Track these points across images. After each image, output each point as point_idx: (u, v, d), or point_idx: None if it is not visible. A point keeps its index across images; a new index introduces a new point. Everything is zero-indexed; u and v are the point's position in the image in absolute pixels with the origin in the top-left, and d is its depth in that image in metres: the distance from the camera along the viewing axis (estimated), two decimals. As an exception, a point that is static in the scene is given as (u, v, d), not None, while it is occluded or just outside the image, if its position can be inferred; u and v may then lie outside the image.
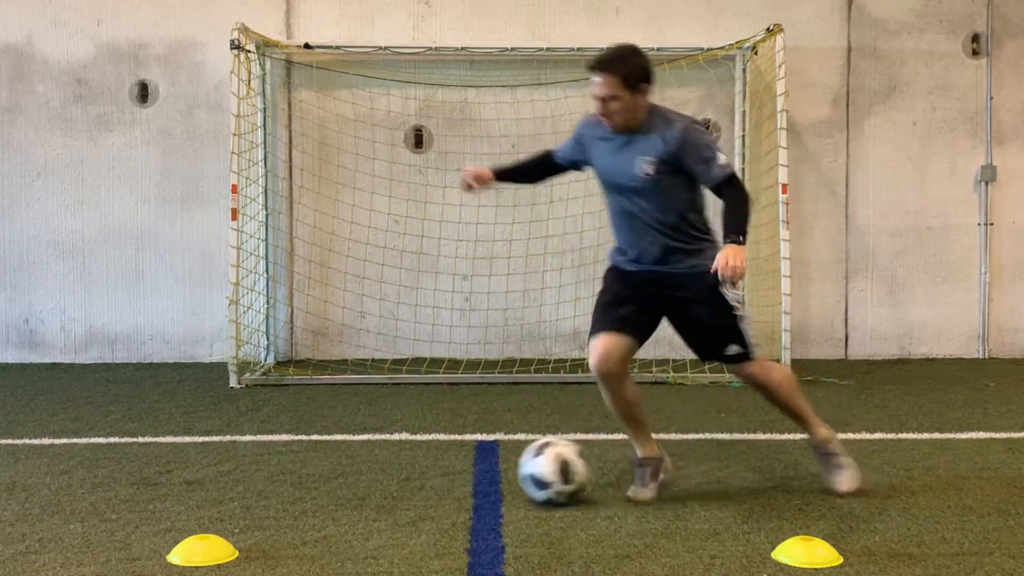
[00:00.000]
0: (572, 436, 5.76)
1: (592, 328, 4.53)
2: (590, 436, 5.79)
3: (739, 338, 4.50)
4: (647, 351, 8.42)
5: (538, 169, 4.98)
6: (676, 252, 4.49)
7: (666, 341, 8.57)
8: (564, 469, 4.38)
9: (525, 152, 8.45)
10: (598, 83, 4.38)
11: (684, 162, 4.42)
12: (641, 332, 4.54)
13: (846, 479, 4.58)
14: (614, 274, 4.65)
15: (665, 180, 4.42)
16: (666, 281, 4.50)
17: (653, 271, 4.51)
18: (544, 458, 4.41)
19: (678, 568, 3.64)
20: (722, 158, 4.46)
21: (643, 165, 4.40)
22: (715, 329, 4.50)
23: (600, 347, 4.43)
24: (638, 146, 4.43)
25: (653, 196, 4.44)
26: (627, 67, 4.39)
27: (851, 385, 7.48)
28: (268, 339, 8.46)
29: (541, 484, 4.38)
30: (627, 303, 4.53)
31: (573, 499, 4.40)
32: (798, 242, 8.43)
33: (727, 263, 4.25)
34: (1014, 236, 8.80)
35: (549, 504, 4.38)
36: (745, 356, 4.52)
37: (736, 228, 4.35)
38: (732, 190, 4.44)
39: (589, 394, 7.16)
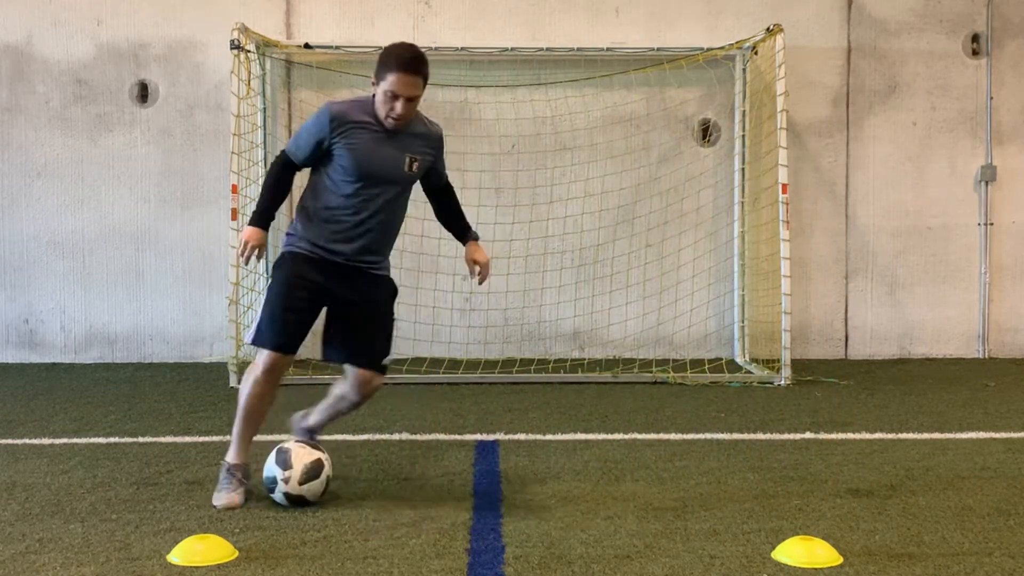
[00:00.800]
0: (572, 436, 5.78)
1: (266, 329, 4.41)
2: (590, 436, 5.79)
3: (389, 350, 4.62)
4: (647, 351, 8.50)
5: (288, 186, 4.61)
6: (381, 254, 4.60)
7: (666, 341, 8.61)
8: (282, 458, 4.35)
9: (526, 153, 8.54)
10: (412, 83, 4.32)
11: (436, 163, 4.65)
12: (305, 330, 4.50)
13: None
14: (295, 272, 4.48)
15: (415, 178, 4.60)
16: (349, 275, 4.49)
17: (347, 266, 4.49)
18: (270, 458, 4.40)
19: (678, 568, 3.64)
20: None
21: (410, 161, 4.49)
22: (387, 338, 4.60)
23: (272, 362, 4.41)
24: (403, 143, 4.47)
25: (397, 196, 4.55)
26: (428, 69, 4.43)
27: (851, 385, 7.48)
28: (268, 339, 8.44)
29: (271, 483, 4.36)
30: (304, 305, 4.46)
31: (304, 487, 4.31)
32: (798, 242, 8.43)
33: (486, 261, 4.70)
34: (1014, 236, 8.80)
35: (290, 501, 4.32)
36: (386, 368, 4.61)
37: (468, 224, 4.82)
38: (452, 190, 4.86)
39: (589, 394, 7.17)
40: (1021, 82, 8.77)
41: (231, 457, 4.53)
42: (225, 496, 4.42)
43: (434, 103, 8.55)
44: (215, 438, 5.76)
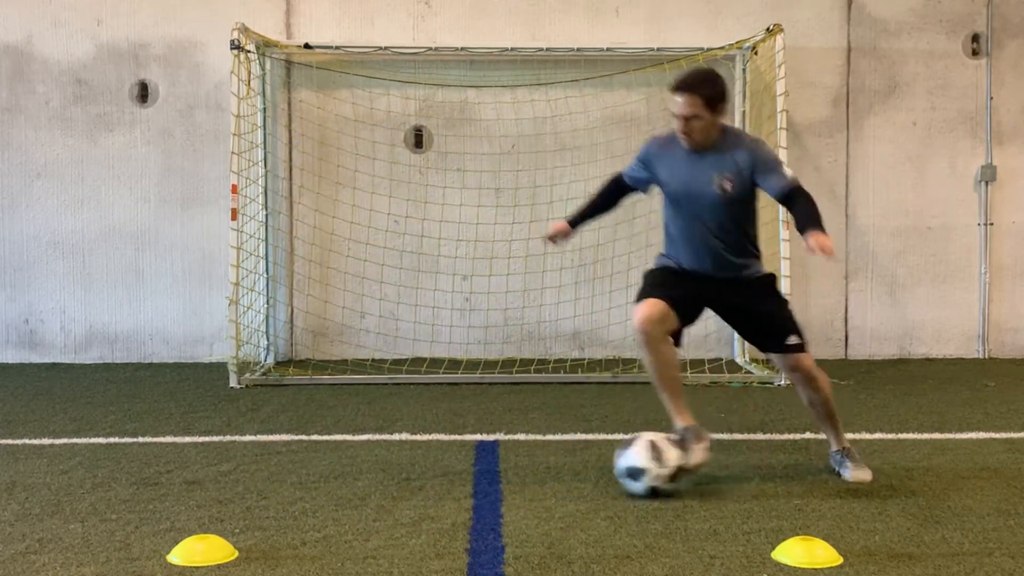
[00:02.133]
0: (572, 436, 5.78)
1: (639, 297, 4.80)
2: (590, 436, 5.80)
3: (797, 329, 4.82)
4: (647, 351, 8.49)
5: (612, 196, 5.27)
6: (731, 265, 4.82)
7: (666, 341, 8.60)
8: (655, 451, 4.50)
9: (526, 153, 8.54)
10: (685, 102, 4.62)
11: (756, 176, 4.74)
12: (684, 314, 4.80)
13: (857, 472, 4.79)
14: (665, 267, 4.94)
15: (736, 195, 4.73)
16: (720, 285, 4.83)
17: (708, 275, 4.83)
18: (634, 447, 4.55)
19: (678, 568, 3.64)
20: (788, 170, 4.79)
21: (721, 181, 4.70)
22: (778, 319, 4.82)
23: (644, 309, 4.71)
24: (713, 163, 4.72)
25: (722, 211, 4.74)
26: (710, 89, 4.66)
27: (851, 385, 7.48)
28: (268, 339, 8.46)
29: (637, 473, 4.49)
30: (675, 286, 4.81)
31: (674, 481, 4.49)
32: (798, 242, 8.37)
33: (820, 243, 4.50)
34: (1014, 236, 8.80)
35: (653, 494, 4.46)
36: (803, 347, 4.80)
37: (816, 221, 4.60)
38: (801, 196, 4.73)
39: (589, 394, 7.17)
40: (1021, 82, 8.77)
41: (678, 423, 4.77)
42: (696, 454, 4.62)
43: (434, 103, 8.57)
44: (215, 438, 5.77)
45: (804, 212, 4.66)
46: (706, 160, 4.72)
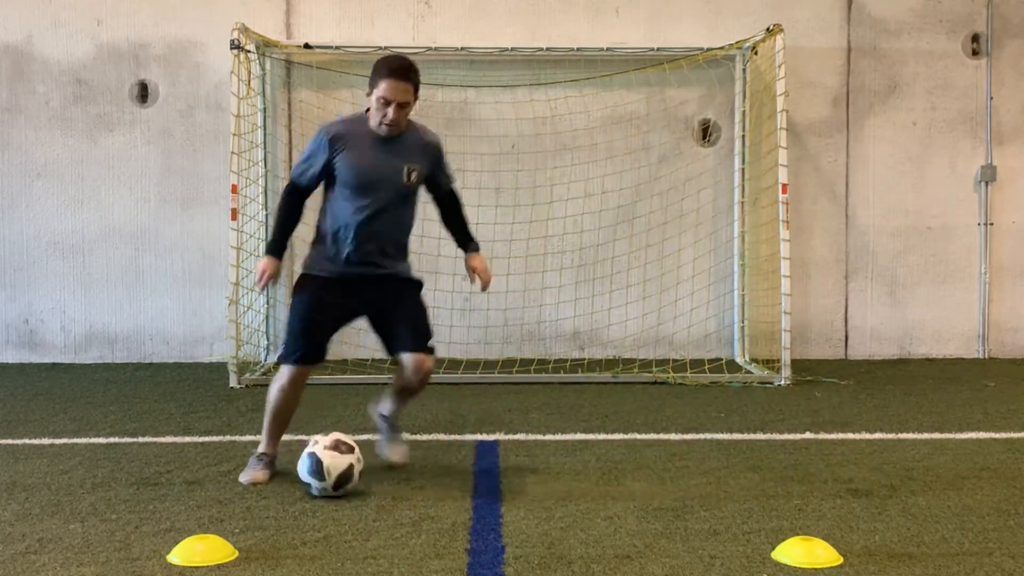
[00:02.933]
0: (572, 436, 5.78)
1: (292, 343, 4.73)
2: (590, 436, 5.79)
3: (432, 334, 4.88)
4: (647, 351, 8.50)
5: (299, 207, 4.88)
6: (394, 260, 4.82)
7: (666, 341, 8.61)
8: (315, 467, 4.50)
9: (526, 153, 8.54)
10: (402, 89, 4.58)
11: (435, 169, 4.84)
12: (330, 339, 4.84)
13: (398, 449, 5.06)
14: (317, 297, 4.74)
15: (416, 186, 4.78)
16: (374, 284, 4.78)
17: (365, 273, 4.74)
18: (303, 463, 4.54)
19: (678, 568, 3.63)
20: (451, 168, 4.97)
21: (410, 170, 4.70)
22: (424, 321, 4.86)
23: (295, 374, 4.71)
24: (402, 151, 4.68)
25: (402, 201, 4.75)
26: (418, 77, 4.67)
27: (851, 385, 7.48)
28: (268, 339, 8.46)
29: (309, 488, 4.52)
30: (327, 326, 4.78)
31: (341, 488, 4.51)
32: (798, 242, 8.43)
33: (484, 275, 4.93)
34: (1014, 236, 8.80)
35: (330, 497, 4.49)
36: (434, 349, 4.86)
37: (471, 234, 4.98)
38: (459, 196, 4.99)
39: (589, 394, 7.17)
40: (1021, 82, 8.77)
41: (262, 447, 4.88)
42: (250, 472, 4.76)
43: (434, 103, 8.56)
44: (215, 438, 5.76)
45: (462, 217, 4.98)
46: (395, 148, 4.67)
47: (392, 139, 4.67)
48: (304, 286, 4.80)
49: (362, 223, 4.68)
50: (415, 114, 4.84)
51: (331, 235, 4.76)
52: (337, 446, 4.55)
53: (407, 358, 4.78)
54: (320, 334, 4.77)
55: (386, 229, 4.74)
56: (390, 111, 4.58)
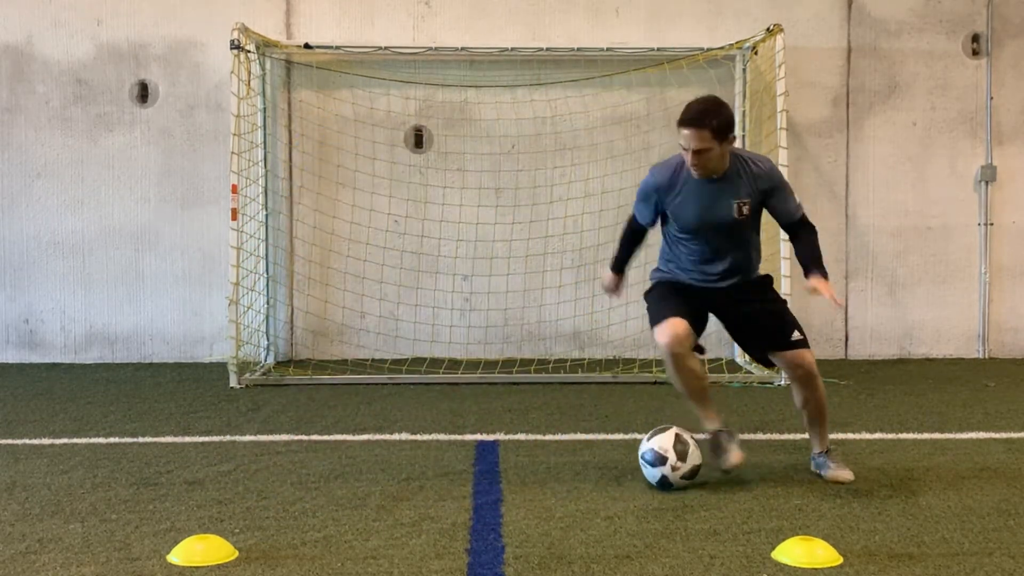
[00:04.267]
0: (572, 436, 5.78)
1: (655, 316, 4.80)
2: (590, 436, 5.80)
3: (799, 325, 4.83)
4: (648, 351, 8.49)
5: (636, 241, 5.11)
6: (737, 276, 4.87)
7: (666, 341, 8.60)
8: (681, 445, 4.61)
9: (526, 153, 8.54)
10: (695, 136, 4.58)
11: (770, 200, 4.81)
12: (696, 324, 4.85)
13: (839, 472, 4.82)
14: (667, 282, 4.94)
15: (752, 217, 4.81)
16: (722, 292, 4.84)
17: (712, 287, 4.85)
18: (663, 435, 4.65)
19: (678, 568, 3.64)
20: (797, 197, 4.93)
21: (740, 206, 4.73)
22: (782, 316, 4.85)
23: (668, 328, 4.69)
24: (728, 189, 4.72)
25: (738, 233, 4.79)
26: (717, 120, 4.60)
27: (851, 385, 7.48)
28: (268, 339, 8.46)
29: (658, 460, 4.60)
30: (685, 301, 4.83)
31: (688, 479, 4.61)
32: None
33: (829, 289, 4.66)
34: (1014, 236, 8.80)
35: (663, 486, 4.57)
36: (806, 342, 4.79)
37: (820, 261, 4.77)
38: (809, 226, 4.88)
39: (589, 394, 7.17)
40: (1021, 82, 8.77)
41: (710, 425, 4.85)
42: (728, 454, 4.76)
43: (434, 103, 8.57)
44: (215, 438, 5.76)
45: (810, 246, 4.81)
46: (721, 186, 4.72)
47: (717, 177, 4.69)
48: (654, 287, 4.98)
49: (701, 260, 4.82)
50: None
51: (674, 260, 4.92)
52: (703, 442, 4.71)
53: (780, 361, 4.82)
54: (679, 301, 4.79)
55: (726, 262, 4.81)
56: (689, 157, 4.62)
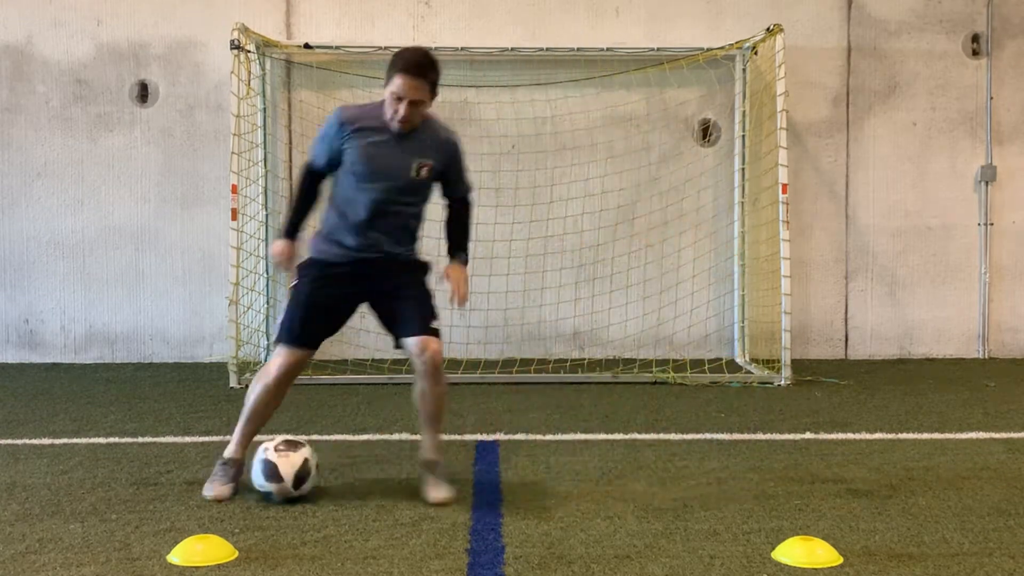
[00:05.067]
0: (572, 436, 5.78)
1: (286, 330, 4.60)
2: (590, 436, 5.79)
3: (437, 316, 4.65)
4: (647, 351, 8.50)
5: (315, 190, 4.77)
6: (398, 247, 4.64)
7: (666, 341, 8.61)
8: (269, 470, 4.41)
9: (526, 153, 8.54)
10: (416, 87, 4.38)
11: (448, 170, 4.64)
12: (328, 332, 4.73)
13: (443, 490, 4.51)
14: (318, 279, 4.63)
15: (427, 182, 4.61)
16: (376, 267, 4.62)
17: (370, 258, 4.60)
18: (255, 468, 4.44)
19: (678, 568, 3.63)
20: (469, 175, 4.79)
21: (420, 167, 4.54)
22: (426, 303, 4.63)
23: (289, 357, 4.57)
24: (414, 147, 4.53)
25: (411, 195, 4.59)
26: (437, 75, 4.47)
27: (851, 385, 7.48)
28: (268, 339, 8.45)
29: (267, 495, 4.41)
30: (327, 312, 4.66)
31: (299, 491, 4.43)
32: (798, 242, 8.43)
33: (460, 287, 4.63)
34: (1014, 236, 8.80)
35: (290, 502, 4.41)
36: (439, 332, 4.60)
37: (466, 246, 4.77)
38: (470, 207, 4.80)
39: (589, 394, 7.17)
40: (1021, 82, 8.77)
41: (229, 451, 4.66)
42: (215, 487, 4.53)
43: (435, 103, 8.54)
44: (215, 438, 5.76)
45: (464, 229, 4.77)
46: (407, 142, 4.50)
47: (406, 133, 4.51)
48: (306, 269, 4.66)
49: (368, 213, 4.55)
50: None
51: (336, 221, 4.65)
52: (286, 445, 4.47)
53: (410, 343, 4.53)
54: (319, 319, 4.62)
55: (392, 220, 4.58)
56: (402, 108, 4.41)
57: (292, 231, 4.68)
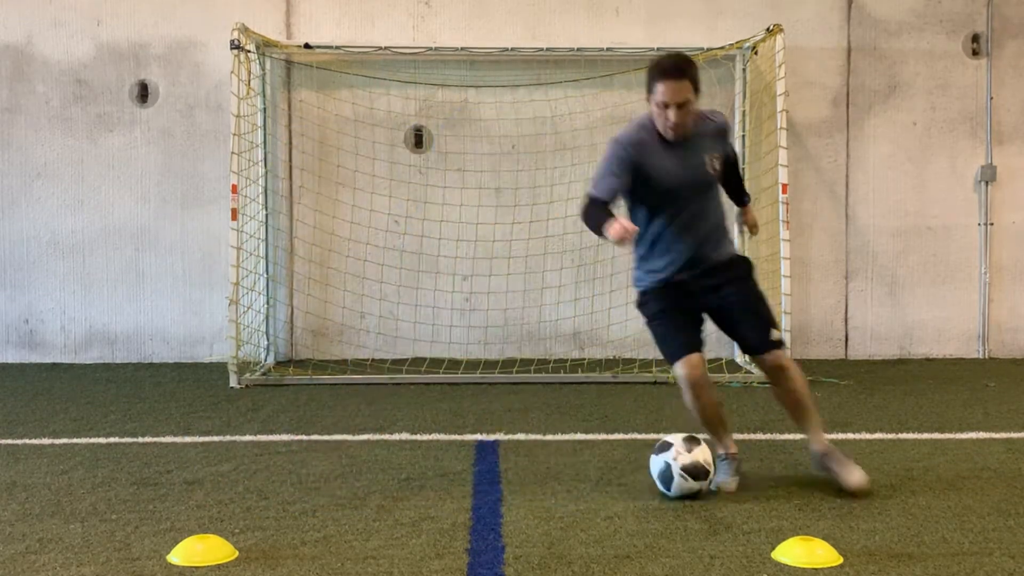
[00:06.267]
0: (572, 436, 5.79)
1: (669, 349, 4.65)
2: (590, 436, 5.80)
3: (775, 323, 4.69)
4: (648, 351, 8.49)
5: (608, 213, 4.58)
6: (716, 247, 4.67)
7: (666, 341, 8.60)
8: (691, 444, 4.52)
9: (526, 153, 8.54)
10: (679, 88, 4.38)
11: (725, 147, 4.74)
12: (700, 334, 4.74)
13: (856, 474, 4.57)
14: (661, 297, 4.67)
15: (720, 172, 4.67)
16: (705, 275, 4.63)
17: (695, 269, 4.62)
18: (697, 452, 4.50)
19: (678, 568, 3.64)
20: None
21: (712, 161, 4.58)
22: (760, 311, 4.68)
23: (687, 364, 4.55)
24: (698, 145, 4.56)
25: (712, 191, 4.66)
26: (696, 71, 4.48)
27: (851, 385, 7.48)
28: (268, 339, 8.46)
29: (662, 448, 4.50)
30: (687, 317, 4.68)
31: (691, 475, 4.46)
32: (798, 242, 8.43)
33: (756, 225, 5.08)
34: (1014, 236, 8.80)
35: (667, 479, 4.45)
36: (782, 342, 4.69)
37: (746, 191, 5.08)
38: (738, 160, 5.05)
39: (589, 394, 7.17)
40: (1021, 82, 8.77)
41: (720, 449, 4.74)
42: (725, 480, 4.64)
43: (434, 103, 8.57)
44: (215, 438, 5.77)
45: (740, 180, 5.00)
46: (690, 144, 4.51)
47: (687, 136, 4.49)
48: (647, 303, 4.71)
49: (678, 229, 4.55)
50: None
51: (645, 252, 4.65)
52: (687, 444, 4.50)
53: (758, 361, 4.69)
54: (686, 327, 4.64)
55: (702, 225, 4.59)
56: (671, 114, 4.39)
57: (608, 214, 4.39)
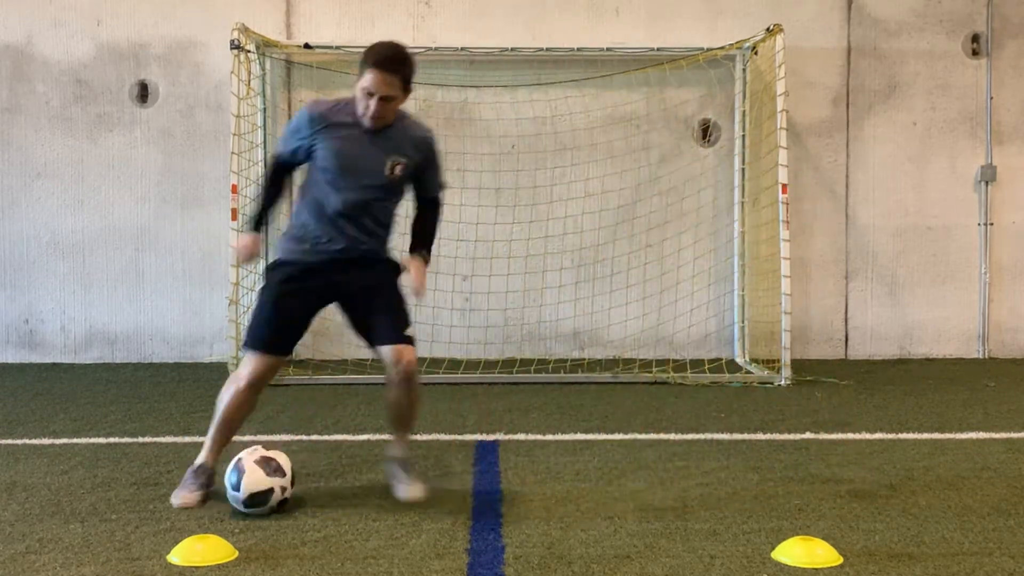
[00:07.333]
0: (572, 436, 5.78)
1: (254, 335, 4.46)
2: (590, 436, 5.79)
3: (410, 323, 4.56)
4: (648, 351, 8.50)
5: (281, 182, 4.62)
6: (369, 246, 4.51)
7: (666, 341, 8.61)
8: (236, 478, 4.23)
9: (526, 153, 8.54)
10: (387, 82, 4.27)
11: (421, 170, 4.55)
12: (296, 336, 4.55)
13: (414, 488, 4.51)
14: (286, 280, 4.50)
15: (400, 182, 4.51)
16: (348, 266, 4.48)
17: (340, 258, 4.46)
18: (229, 467, 4.28)
19: (678, 568, 3.63)
20: (444, 174, 4.70)
21: (393, 165, 4.44)
22: (400, 308, 4.55)
23: (258, 363, 4.42)
24: (387, 145, 4.43)
25: (383, 194, 4.49)
26: (410, 70, 4.37)
27: (851, 385, 7.48)
28: (268, 339, 8.44)
29: (265, 497, 4.22)
30: (296, 315, 4.50)
31: (249, 510, 4.24)
32: (798, 242, 8.43)
33: (420, 282, 4.56)
34: (1014, 236, 8.80)
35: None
36: (413, 340, 4.54)
37: (430, 246, 4.67)
38: (440, 207, 4.72)
39: (589, 394, 7.17)
40: (1021, 82, 8.77)
41: (200, 458, 4.56)
42: (182, 495, 4.42)
43: (434, 103, 8.56)
44: (215, 438, 5.75)
45: (431, 226, 4.68)
46: (380, 139, 4.40)
47: (379, 130, 4.41)
48: (274, 271, 4.55)
49: (338, 211, 4.41)
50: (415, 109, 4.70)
51: (305, 219, 4.48)
52: (267, 463, 4.26)
53: (385, 352, 4.45)
54: (289, 325, 4.48)
55: (364, 218, 4.45)
56: (372, 104, 4.29)
57: (257, 224, 4.52)
